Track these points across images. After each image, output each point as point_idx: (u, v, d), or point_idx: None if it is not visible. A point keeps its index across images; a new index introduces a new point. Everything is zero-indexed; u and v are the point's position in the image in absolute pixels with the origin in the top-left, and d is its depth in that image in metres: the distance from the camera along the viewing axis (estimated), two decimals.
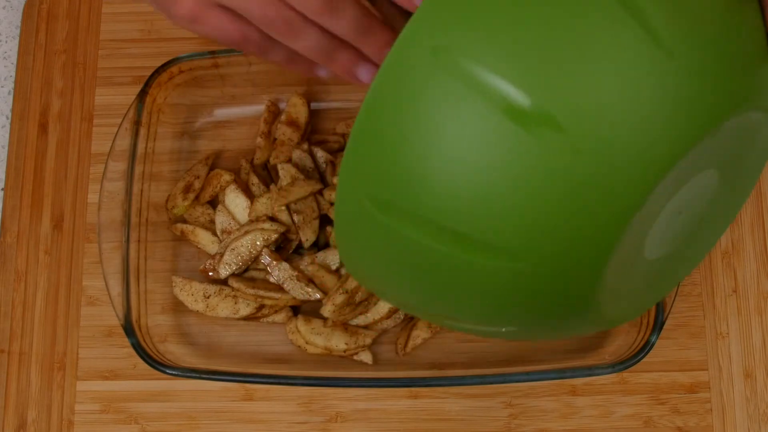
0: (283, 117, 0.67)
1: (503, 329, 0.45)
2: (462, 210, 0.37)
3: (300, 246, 0.64)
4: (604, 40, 0.35)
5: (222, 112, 0.69)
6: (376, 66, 0.45)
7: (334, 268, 0.64)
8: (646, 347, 0.57)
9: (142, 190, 0.64)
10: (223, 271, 0.63)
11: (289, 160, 0.65)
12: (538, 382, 0.63)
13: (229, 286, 0.64)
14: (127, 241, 0.61)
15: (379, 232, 0.40)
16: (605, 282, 0.41)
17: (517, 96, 0.35)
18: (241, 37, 0.44)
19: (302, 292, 0.62)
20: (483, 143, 0.36)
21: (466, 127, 0.36)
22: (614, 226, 0.38)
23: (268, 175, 0.67)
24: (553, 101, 0.35)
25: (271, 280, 0.63)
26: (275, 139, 0.67)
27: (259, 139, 0.67)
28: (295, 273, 0.63)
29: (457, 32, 0.36)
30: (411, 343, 0.63)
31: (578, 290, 0.41)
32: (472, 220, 0.37)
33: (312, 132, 0.69)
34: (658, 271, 0.45)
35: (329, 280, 0.63)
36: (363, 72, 0.46)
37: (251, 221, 0.64)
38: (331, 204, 0.63)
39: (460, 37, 0.36)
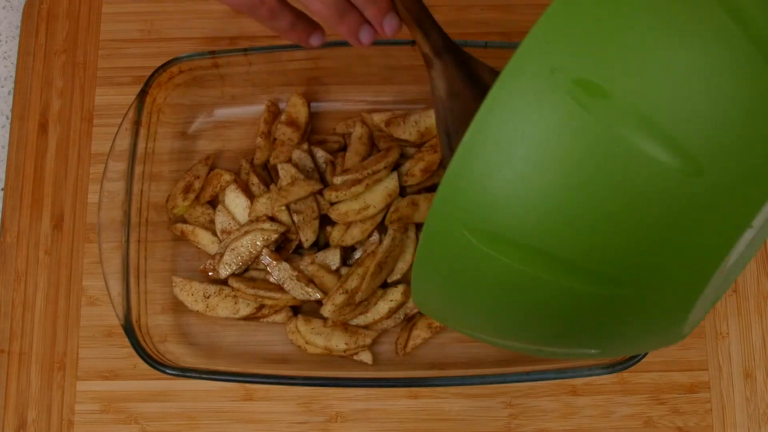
0: (283, 117, 0.67)
1: (590, 351, 0.44)
2: (576, 238, 0.36)
3: (300, 246, 0.64)
4: (719, 58, 0.35)
5: (222, 112, 0.69)
6: (375, 30, 0.49)
7: (334, 268, 0.64)
8: None
9: (142, 190, 0.64)
10: (223, 271, 0.63)
11: (289, 160, 0.65)
12: (538, 382, 0.63)
13: (229, 286, 0.64)
14: (127, 241, 0.61)
15: (478, 263, 0.39)
16: (699, 300, 0.40)
17: (638, 118, 0.35)
18: None
19: (302, 292, 0.62)
20: (602, 167, 0.35)
21: (584, 149, 0.35)
22: (723, 247, 0.37)
23: (268, 175, 0.67)
24: (672, 123, 0.35)
25: (271, 280, 0.63)
26: (275, 139, 0.67)
27: (259, 139, 0.67)
28: (295, 273, 0.63)
29: (573, 52, 0.35)
30: (411, 343, 0.63)
31: (676, 311, 0.40)
32: (585, 249, 0.36)
33: (312, 132, 0.69)
34: (725, 277, 0.45)
35: (329, 280, 0.63)
36: (365, 33, 0.49)
37: (251, 221, 0.64)
38: (331, 204, 0.63)
39: (576, 57, 0.35)
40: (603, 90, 0.35)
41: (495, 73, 0.51)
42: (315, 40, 0.52)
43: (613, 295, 0.38)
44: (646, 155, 0.35)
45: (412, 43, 0.63)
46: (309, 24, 0.51)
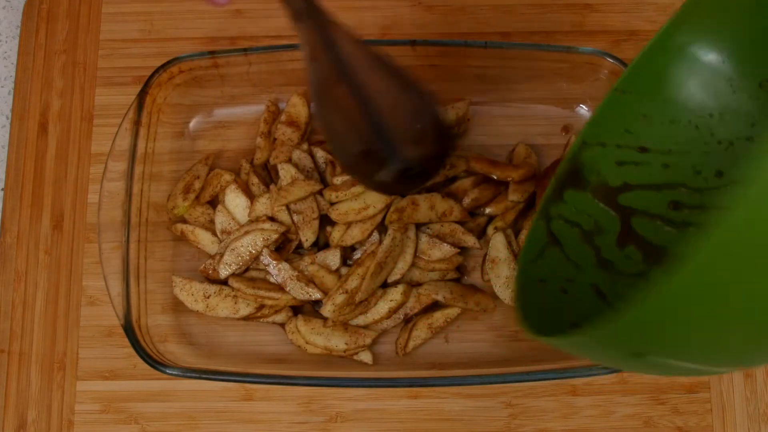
0: (283, 117, 0.67)
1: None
2: None
3: (300, 246, 0.64)
4: None
5: (222, 112, 0.69)
6: None
7: (334, 268, 0.64)
8: None
9: (142, 190, 0.64)
10: (223, 272, 0.63)
11: (289, 160, 0.65)
12: (538, 382, 0.63)
13: (229, 286, 0.64)
14: (127, 241, 0.61)
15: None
16: None
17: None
18: None
19: (302, 292, 0.62)
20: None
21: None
22: None
23: (268, 175, 0.67)
24: None
25: (271, 280, 0.63)
26: (275, 139, 0.67)
27: (259, 139, 0.67)
28: (295, 273, 0.63)
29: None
30: (411, 343, 0.63)
31: None
32: None
33: (312, 132, 0.69)
34: None
35: (329, 280, 0.63)
36: None
37: (251, 221, 0.64)
38: (331, 204, 0.63)
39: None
40: None
41: (356, 43, 0.51)
42: None
43: None
44: None
45: (413, 43, 0.63)
46: None
